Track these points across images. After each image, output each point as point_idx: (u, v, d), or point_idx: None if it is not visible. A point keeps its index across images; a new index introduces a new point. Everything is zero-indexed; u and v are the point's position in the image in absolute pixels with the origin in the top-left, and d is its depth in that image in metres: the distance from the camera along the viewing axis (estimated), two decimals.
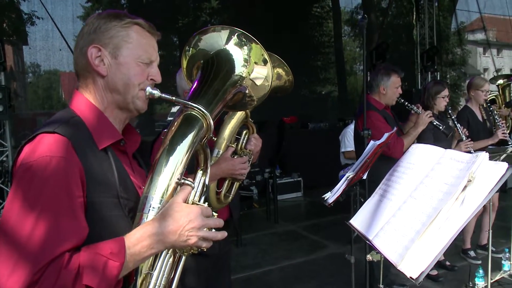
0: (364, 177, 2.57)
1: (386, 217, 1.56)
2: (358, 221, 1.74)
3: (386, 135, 2.29)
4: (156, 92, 1.31)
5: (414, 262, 1.27)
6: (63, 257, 1.02)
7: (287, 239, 5.79)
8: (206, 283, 2.50)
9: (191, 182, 1.22)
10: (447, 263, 4.35)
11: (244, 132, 2.45)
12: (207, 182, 1.37)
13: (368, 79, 3.88)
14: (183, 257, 1.32)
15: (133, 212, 1.22)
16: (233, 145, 2.34)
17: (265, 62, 1.52)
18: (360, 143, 3.23)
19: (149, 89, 1.30)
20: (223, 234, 1.24)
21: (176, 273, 1.31)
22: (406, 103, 3.56)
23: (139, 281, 1.19)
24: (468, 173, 1.31)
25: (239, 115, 2.37)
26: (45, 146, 1.10)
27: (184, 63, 1.57)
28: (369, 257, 1.49)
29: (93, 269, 1.04)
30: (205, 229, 1.17)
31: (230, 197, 2.43)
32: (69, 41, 8.25)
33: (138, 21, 1.30)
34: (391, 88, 3.50)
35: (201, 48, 1.50)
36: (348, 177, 2.25)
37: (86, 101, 1.28)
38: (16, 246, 1.01)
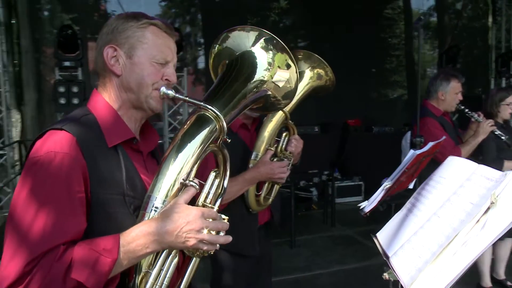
0: (411, 186, 2.42)
1: (408, 234, 1.45)
2: (382, 235, 1.63)
3: (430, 144, 2.12)
4: (171, 92, 1.32)
5: None
6: (57, 250, 1.06)
7: (342, 244, 5.64)
8: (244, 281, 2.49)
9: (195, 183, 1.21)
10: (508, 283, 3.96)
11: (284, 134, 2.42)
12: (225, 185, 1.36)
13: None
14: (194, 259, 1.32)
15: (139, 211, 1.23)
16: (272, 148, 2.31)
17: (288, 66, 1.48)
18: None
19: (163, 89, 1.31)
20: (226, 239, 1.22)
21: (184, 274, 1.31)
22: (467, 110, 3.30)
23: (138, 279, 1.19)
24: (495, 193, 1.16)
25: (278, 116, 2.33)
26: (52, 142, 1.16)
27: (210, 61, 1.57)
28: (385, 275, 1.39)
29: (84, 263, 1.06)
30: (206, 231, 1.16)
31: (270, 200, 2.42)
32: None
33: (154, 22, 1.32)
34: (450, 94, 3.27)
35: (228, 47, 1.49)
36: (385, 186, 2.12)
37: (102, 100, 1.32)
38: (19, 234, 1.07)
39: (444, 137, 2.44)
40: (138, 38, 1.29)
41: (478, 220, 1.16)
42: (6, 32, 6.39)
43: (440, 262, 1.17)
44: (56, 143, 1.15)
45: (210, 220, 1.17)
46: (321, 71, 2.41)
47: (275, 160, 2.33)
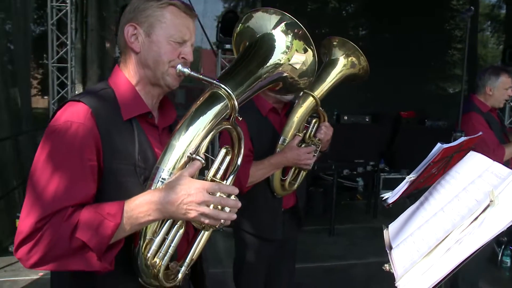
0: None
1: (413, 228, 1.43)
2: (392, 227, 1.62)
3: (462, 139, 2.03)
4: (186, 70, 1.36)
5: (412, 282, 1.15)
6: (66, 211, 1.15)
7: (381, 236, 5.48)
8: (266, 264, 2.54)
9: (201, 158, 1.25)
10: None
11: (314, 120, 2.42)
12: (239, 163, 1.39)
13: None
14: (203, 232, 1.38)
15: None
16: (300, 134, 2.32)
17: (305, 50, 1.49)
18: None
19: (179, 66, 1.36)
20: (229, 215, 1.24)
21: (193, 245, 1.38)
22: None
23: (142, 245, 1.26)
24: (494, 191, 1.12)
25: (308, 102, 2.34)
26: (69, 112, 1.25)
27: (233, 39, 1.62)
28: (386, 266, 1.38)
29: (88, 225, 1.14)
30: (209, 206, 1.19)
31: (296, 185, 2.44)
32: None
33: (174, 2, 1.37)
34: (499, 89, 3.09)
35: (250, 27, 1.53)
36: (410, 178, 2.07)
37: (122, 75, 1.40)
38: (34, 194, 1.18)
39: (480, 133, 2.32)
40: (157, 17, 1.34)
41: (476, 218, 1.13)
42: (76, 11, 6.75)
43: (433, 257, 1.16)
44: (73, 113, 1.24)
45: (216, 194, 1.21)
46: (355, 59, 2.38)
47: (302, 146, 2.34)
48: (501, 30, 11.43)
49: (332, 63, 2.40)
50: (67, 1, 6.26)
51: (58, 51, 6.51)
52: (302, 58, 1.49)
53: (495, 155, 2.85)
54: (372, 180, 6.53)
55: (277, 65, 1.45)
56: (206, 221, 1.21)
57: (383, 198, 2.20)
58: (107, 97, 1.34)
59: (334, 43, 2.40)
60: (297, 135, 2.31)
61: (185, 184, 1.17)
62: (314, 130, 2.41)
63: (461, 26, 10.74)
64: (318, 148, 2.38)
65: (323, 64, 2.43)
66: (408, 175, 6.47)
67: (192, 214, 1.18)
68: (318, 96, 2.33)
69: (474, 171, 1.38)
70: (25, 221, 1.15)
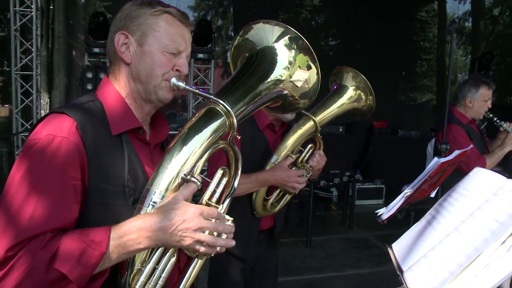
0: (432, 195, 2.32)
1: (426, 249, 1.36)
2: (398, 247, 1.55)
3: (456, 152, 2.03)
4: (181, 84, 1.26)
5: None
6: (44, 237, 1.02)
7: (358, 247, 5.52)
8: (242, 282, 2.43)
9: (197, 180, 1.14)
10: None
11: (309, 145, 2.34)
12: (235, 185, 1.29)
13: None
14: (196, 260, 1.26)
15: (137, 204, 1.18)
16: (293, 156, 2.24)
17: (308, 67, 1.40)
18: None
19: (174, 80, 1.26)
20: (227, 242, 1.15)
21: (185, 275, 1.27)
22: (495, 118, 3.15)
23: (130, 276, 1.14)
24: None
25: (308, 126, 2.26)
26: (52, 125, 1.12)
27: (230, 53, 1.53)
28: None
29: (69, 254, 1.01)
30: (204, 232, 1.09)
31: (277, 208, 2.35)
32: None
33: (169, 10, 1.26)
34: (479, 101, 3.12)
35: (250, 40, 1.43)
36: (406, 194, 2.03)
37: (111, 87, 1.28)
38: (7, 216, 1.04)
39: (471, 146, 2.32)
40: (151, 26, 1.23)
41: (503, 242, 1.07)
42: (41, 17, 6.49)
43: (459, 284, 1.09)
44: (56, 126, 1.12)
45: (212, 220, 1.11)
46: (362, 94, 2.33)
47: (293, 168, 2.27)
48: (467, 42, 11.90)
49: (340, 92, 2.35)
50: (32, 7, 6.00)
51: (22, 58, 6.23)
52: (305, 76, 1.41)
53: (476, 166, 2.87)
54: (347, 190, 6.54)
55: (278, 81, 1.37)
56: (202, 249, 1.10)
57: (378, 214, 2.15)
58: (94, 110, 1.21)
59: (346, 73, 2.35)
60: (290, 156, 2.23)
61: (180, 209, 1.06)
62: (307, 155, 2.34)
63: (430, 37, 11.11)
64: (308, 174, 2.32)
65: (330, 92, 2.39)
66: (382, 184, 6.57)
67: (187, 242, 1.07)
68: (319, 122, 2.26)
69: (487, 189, 1.34)
70: None
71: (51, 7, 7.36)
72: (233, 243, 1.17)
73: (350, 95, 2.34)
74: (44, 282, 0.99)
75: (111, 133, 1.20)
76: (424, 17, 11.17)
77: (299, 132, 2.25)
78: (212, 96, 1.20)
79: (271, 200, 2.30)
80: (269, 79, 1.35)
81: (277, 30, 1.38)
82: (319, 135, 2.30)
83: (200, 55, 6.76)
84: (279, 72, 1.36)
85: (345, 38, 10.77)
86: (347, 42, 10.54)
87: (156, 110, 1.37)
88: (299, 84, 1.41)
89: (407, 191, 2.04)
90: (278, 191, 2.31)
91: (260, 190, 2.24)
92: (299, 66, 1.39)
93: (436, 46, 11.35)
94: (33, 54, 6.16)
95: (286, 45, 1.37)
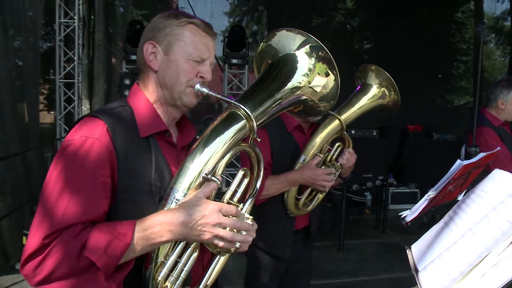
0: (460, 198, 2.30)
1: (441, 249, 1.38)
2: (416, 248, 1.57)
3: (481, 155, 2.01)
4: (205, 90, 1.35)
5: None
6: (76, 227, 1.12)
7: (391, 251, 5.47)
8: (277, 281, 2.51)
9: (217, 179, 1.23)
10: None
11: (337, 144, 2.38)
12: (258, 185, 1.37)
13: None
14: (219, 257, 1.33)
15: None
16: (320, 155, 2.29)
17: (327, 74, 1.46)
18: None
19: (198, 86, 1.35)
20: (244, 238, 1.22)
21: (208, 270, 1.34)
22: None
23: (154, 268, 1.22)
24: None
25: (333, 125, 2.31)
26: (85, 128, 1.24)
27: (255, 58, 1.60)
28: None
29: (97, 244, 1.11)
30: (223, 228, 1.17)
31: (310, 207, 2.40)
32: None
33: (193, 21, 1.36)
34: (511, 103, 3.04)
35: (273, 46, 1.50)
36: (429, 195, 2.03)
37: (140, 94, 1.39)
38: (45, 209, 1.16)
39: (498, 148, 2.29)
40: (176, 36, 1.33)
41: None
42: (83, 27, 6.80)
43: (467, 282, 1.11)
44: (89, 129, 1.23)
45: (230, 217, 1.18)
46: (386, 91, 2.37)
47: (322, 167, 2.31)
48: (506, 42, 11.44)
49: (365, 90, 2.39)
50: (75, 17, 6.31)
51: (65, 66, 6.54)
52: (323, 81, 1.46)
53: (508, 170, 2.81)
54: (381, 194, 6.47)
55: (297, 88, 1.43)
56: (221, 243, 1.19)
57: (402, 216, 2.16)
58: (124, 114, 1.32)
59: (370, 71, 2.39)
60: (317, 155, 2.28)
61: (200, 205, 1.15)
62: (336, 154, 2.38)
63: (466, 38, 10.78)
64: (338, 172, 2.35)
65: (354, 91, 2.43)
66: (417, 189, 6.48)
67: (206, 236, 1.16)
68: (345, 121, 2.30)
69: (503, 190, 1.34)
70: (33, 236, 1.12)
71: (92, 17, 7.69)
72: (250, 239, 1.24)
73: (374, 92, 2.38)
74: (76, 268, 1.10)
75: (139, 136, 1.30)
76: (461, 18, 10.85)
77: (325, 131, 2.30)
78: (233, 101, 1.28)
79: (302, 199, 2.36)
80: (288, 85, 1.42)
81: (299, 38, 1.45)
82: (346, 133, 2.34)
83: (234, 61, 6.87)
84: (298, 79, 1.43)
85: (379, 41, 10.63)
86: (381, 44, 10.41)
87: (182, 114, 1.46)
88: (318, 89, 1.47)
89: (430, 193, 2.04)
90: (309, 190, 2.36)
91: (291, 190, 2.30)
92: (318, 73, 1.45)
93: (473, 47, 11.00)
94: (75, 63, 6.46)
95: (306, 53, 1.44)
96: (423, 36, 9.04)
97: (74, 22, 6.32)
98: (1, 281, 4.31)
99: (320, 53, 1.43)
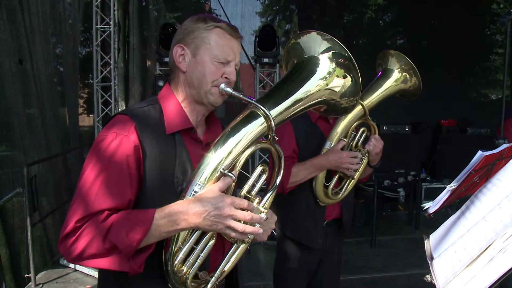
0: None
1: (455, 237, 1.42)
2: (434, 237, 1.62)
3: (503, 146, 2.01)
4: (229, 90, 1.44)
5: None
6: (103, 213, 1.27)
7: (424, 247, 5.40)
8: (307, 272, 2.53)
9: (232, 175, 1.31)
10: None
11: (362, 129, 2.42)
12: (277, 182, 1.45)
13: None
14: (236, 246, 1.43)
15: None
16: (344, 139, 2.33)
17: (344, 77, 1.52)
18: None
19: (222, 86, 1.44)
20: (254, 229, 1.29)
21: (227, 258, 1.43)
22: None
23: (172, 251, 1.33)
24: None
25: (356, 110, 2.34)
26: (116, 125, 1.38)
27: (284, 56, 1.68)
28: (427, 277, 1.39)
29: (120, 229, 1.24)
30: (235, 220, 1.25)
31: (340, 195, 2.41)
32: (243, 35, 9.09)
33: (220, 25, 1.45)
34: None
35: (300, 45, 1.57)
36: (451, 187, 2.05)
37: (170, 92, 1.50)
38: (79, 197, 1.31)
39: None
40: (203, 39, 1.43)
41: None
42: (118, 32, 7.06)
43: (475, 267, 1.16)
44: (119, 126, 1.36)
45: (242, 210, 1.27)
46: (408, 76, 2.39)
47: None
48: None
49: (386, 75, 2.42)
50: (111, 23, 6.56)
51: (102, 70, 6.79)
52: (340, 82, 1.52)
53: None
54: (414, 190, 6.40)
55: (314, 90, 1.49)
56: (233, 234, 1.27)
57: (424, 208, 2.18)
58: (153, 112, 1.44)
59: (390, 56, 2.41)
60: (341, 140, 2.31)
61: (214, 198, 1.24)
62: (362, 139, 2.41)
63: (502, 30, 10.40)
64: (365, 158, 2.38)
65: (376, 77, 2.46)
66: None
67: (219, 226, 1.25)
68: (367, 106, 2.33)
69: None
70: (69, 220, 1.27)
71: (127, 21, 7.95)
72: (260, 231, 1.31)
73: (396, 77, 2.40)
74: (102, 248, 1.24)
75: (165, 132, 1.41)
76: (496, 9, 10.50)
77: (349, 117, 2.32)
78: (253, 101, 1.37)
79: (331, 186, 2.37)
80: (304, 87, 1.48)
81: (325, 43, 1.51)
82: (369, 118, 2.36)
83: (265, 60, 6.95)
84: (315, 82, 1.49)
85: (411, 36, 10.45)
86: (414, 40, 10.22)
87: (209, 112, 1.55)
88: (337, 89, 1.53)
89: (452, 185, 2.05)
90: (337, 176, 2.37)
91: (319, 177, 2.33)
92: (336, 76, 1.51)
93: (510, 39, 10.53)
94: (111, 67, 6.72)
95: (329, 58, 1.50)
96: (457, 29, 8.83)
97: (110, 28, 6.56)
98: (48, 274, 4.60)
99: (340, 60, 1.49)
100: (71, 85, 6.03)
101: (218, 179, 1.32)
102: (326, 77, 1.49)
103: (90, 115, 9.15)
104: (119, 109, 7.48)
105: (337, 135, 2.33)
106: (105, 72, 6.75)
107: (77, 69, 6.41)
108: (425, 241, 1.64)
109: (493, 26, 10.71)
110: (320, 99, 1.53)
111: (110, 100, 6.80)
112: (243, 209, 1.28)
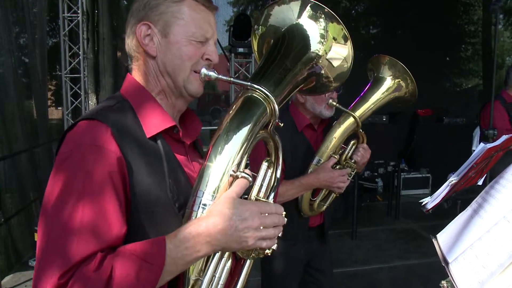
0: (480, 183, 2.25)
1: (472, 239, 1.32)
2: (443, 238, 1.52)
3: (504, 137, 1.95)
4: (213, 74, 1.17)
5: None
6: (95, 258, 0.93)
7: (405, 238, 5.45)
8: (298, 280, 2.47)
9: (248, 175, 1.07)
10: None
11: (352, 142, 2.30)
12: (278, 175, 1.22)
13: None
14: (249, 262, 1.18)
15: (184, 209, 1.08)
16: (336, 156, 2.21)
17: (345, 39, 1.31)
18: None
19: (204, 70, 1.17)
20: (280, 230, 1.08)
21: (240, 278, 1.18)
22: None
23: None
24: None
25: (348, 123, 2.23)
26: (84, 134, 1.03)
27: (255, 44, 1.45)
28: (443, 284, 1.29)
29: (126, 273, 0.93)
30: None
31: (324, 207, 2.34)
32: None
33: None
34: None
35: (272, 25, 1.36)
36: (451, 181, 1.98)
37: (137, 84, 1.19)
38: (51, 237, 0.96)
39: None
40: (173, 14, 1.14)
41: None
42: (87, 21, 6.72)
43: (508, 276, 1.06)
44: (89, 135, 1.03)
45: (267, 215, 1.03)
46: (402, 82, 2.25)
47: (337, 168, 2.24)
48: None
49: (378, 83, 2.28)
50: (79, 11, 6.24)
51: (71, 61, 6.49)
52: (342, 52, 1.32)
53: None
54: (392, 180, 6.42)
55: (316, 57, 1.29)
56: (264, 244, 1.02)
57: (422, 204, 2.11)
58: (124, 112, 1.12)
59: (383, 62, 2.27)
60: (332, 157, 2.19)
61: (237, 208, 0.98)
62: (351, 152, 2.29)
63: (474, 20, 10.59)
64: (354, 171, 2.28)
65: (367, 85, 2.33)
66: (428, 173, 6.44)
67: (250, 242, 0.99)
68: (360, 117, 2.21)
69: None
70: (46, 278, 0.91)
71: (96, 11, 7.62)
72: (281, 229, 1.10)
73: (388, 85, 2.26)
74: None
75: (145, 136, 1.11)
76: None
77: (340, 130, 2.22)
78: (248, 83, 1.12)
79: (317, 201, 2.29)
80: (305, 56, 1.29)
81: (295, 5, 1.30)
82: (361, 130, 2.25)
83: (241, 50, 6.77)
84: (315, 46, 1.29)
85: (386, 26, 10.49)
86: (388, 29, 10.28)
87: (187, 105, 1.27)
88: (335, 63, 1.34)
89: (453, 179, 1.99)
90: (323, 191, 2.29)
91: (305, 193, 2.23)
92: (334, 38, 1.30)
93: (482, 28, 10.75)
94: (80, 57, 6.41)
95: (310, 17, 1.28)
96: (429, 19, 8.90)
97: (78, 17, 6.24)
98: (16, 277, 4.34)
99: (325, 14, 1.27)
100: (39, 77, 5.70)
101: (230, 183, 1.06)
102: (322, 40, 1.29)
103: (59, 108, 8.77)
104: (89, 102, 7.18)
105: (328, 150, 2.22)
106: (74, 63, 6.44)
107: (45, 60, 6.07)
108: (434, 241, 1.54)
109: (466, 16, 10.89)
110: (319, 70, 1.34)
111: (79, 92, 6.51)
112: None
